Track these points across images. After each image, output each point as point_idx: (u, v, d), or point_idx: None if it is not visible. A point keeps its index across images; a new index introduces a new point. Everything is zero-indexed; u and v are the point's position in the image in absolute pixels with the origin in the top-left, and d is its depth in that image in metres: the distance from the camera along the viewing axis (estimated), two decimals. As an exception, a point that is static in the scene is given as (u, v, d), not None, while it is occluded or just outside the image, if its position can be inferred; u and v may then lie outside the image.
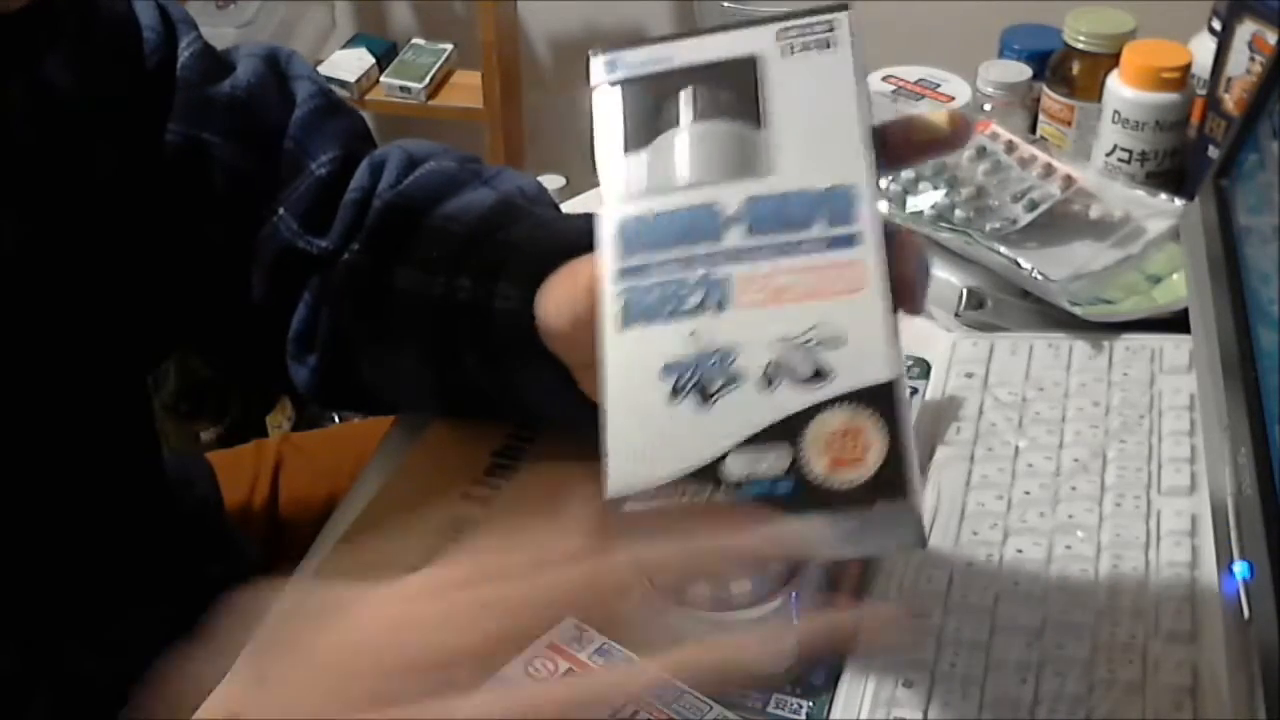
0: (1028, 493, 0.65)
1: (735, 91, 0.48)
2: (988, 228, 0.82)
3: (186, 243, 0.70)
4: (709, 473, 0.41)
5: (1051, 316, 0.78)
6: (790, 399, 0.42)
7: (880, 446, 0.41)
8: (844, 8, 0.49)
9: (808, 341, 0.42)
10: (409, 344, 0.68)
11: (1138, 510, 0.64)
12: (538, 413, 0.67)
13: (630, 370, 0.44)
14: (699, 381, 0.42)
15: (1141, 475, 0.66)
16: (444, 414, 0.74)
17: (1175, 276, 0.80)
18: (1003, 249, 0.80)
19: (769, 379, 0.42)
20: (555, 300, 0.59)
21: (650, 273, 0.45)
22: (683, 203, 0.46)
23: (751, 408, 0.42)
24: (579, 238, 0.62)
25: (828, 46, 0.48)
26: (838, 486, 0.40)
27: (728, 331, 0.43)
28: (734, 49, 0.48)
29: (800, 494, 0.40)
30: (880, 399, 0.41)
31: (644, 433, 0.42)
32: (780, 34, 0.48)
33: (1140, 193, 0.86)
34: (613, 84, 0.49)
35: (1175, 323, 0.75)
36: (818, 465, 0.41)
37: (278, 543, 0.87)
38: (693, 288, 0.44)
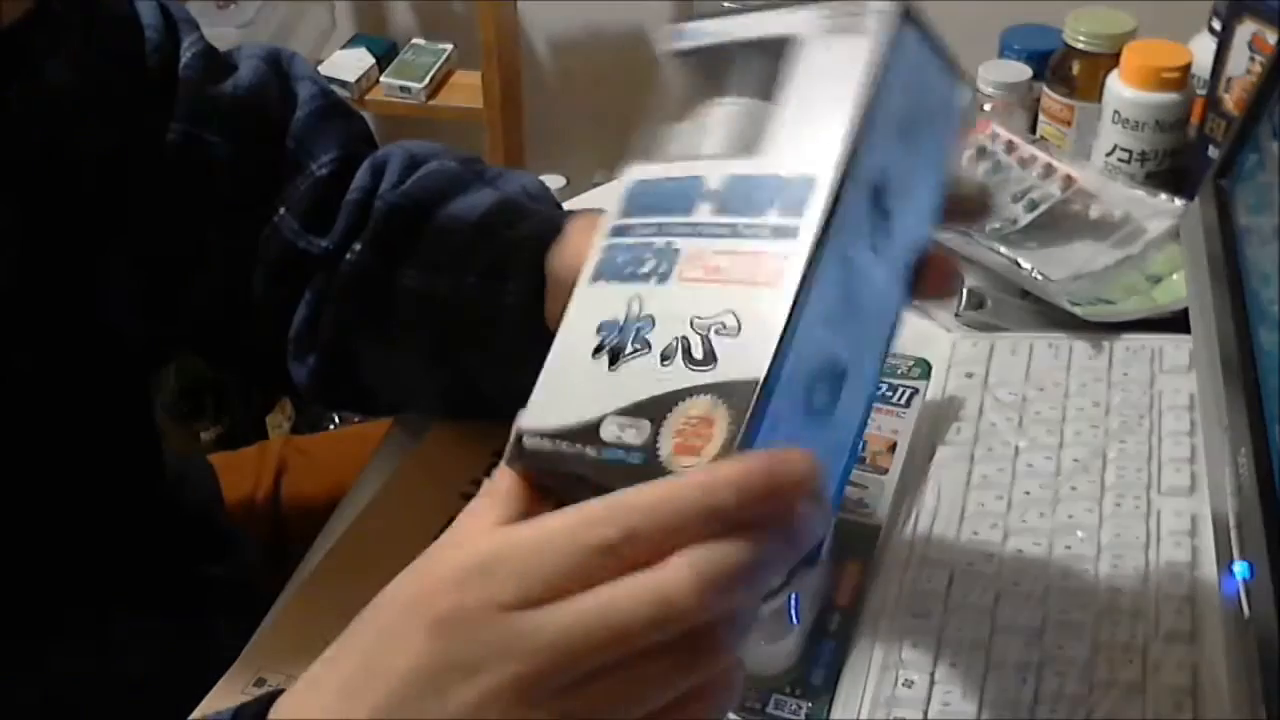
0: (1028, 493, 0.65)
1: (766, 70, 0.47)
2: (988, 228, 0.82)
3: (187, 242, 0.70)
4: (590, 430, 0.42)
5: (1051, 316, 0.78)
6: (674, 377, 0.42)
7: (720, 441, 0.40)
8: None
9: (711, 325, 0.42)
10: (413, 343, 0.68)
11: (1138, 510, 0.64)
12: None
13: (578, 321, 0.45)
14: (616, 344, 0.43)
15: (1141, 475, 0.66)
16: (445, 414, 0.74)
17: (1175, 276, 0.80)
18: (1003, 249, 0.80)
19: (668, 354, 0.42)
20: (562, 272, 0.60)
21: (631, 234, 0.46)
22: (678, 173, 0.46)
23: (643, 378, 0.42)
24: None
25: (856, 32, 0.46)
26: (674, 470, 0.40)
27: (657, 302, 0.43)
28: (782, 27, 0.48)
29: (645, 468, 0.41)
30: (739, 395, 0.41)
31: (562, 380, 0.44)
32: (822, 15, 0.47)
33: (1140, 193, 0.86)
34: (673, 54, 0.49)
35: (1175, 323, 0.75)
36: (667, 445, 0.41)
37: (279, 543, 0.88)
38: (650, 255, 0.45)
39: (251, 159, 0.69)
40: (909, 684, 0.56)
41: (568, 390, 0.43)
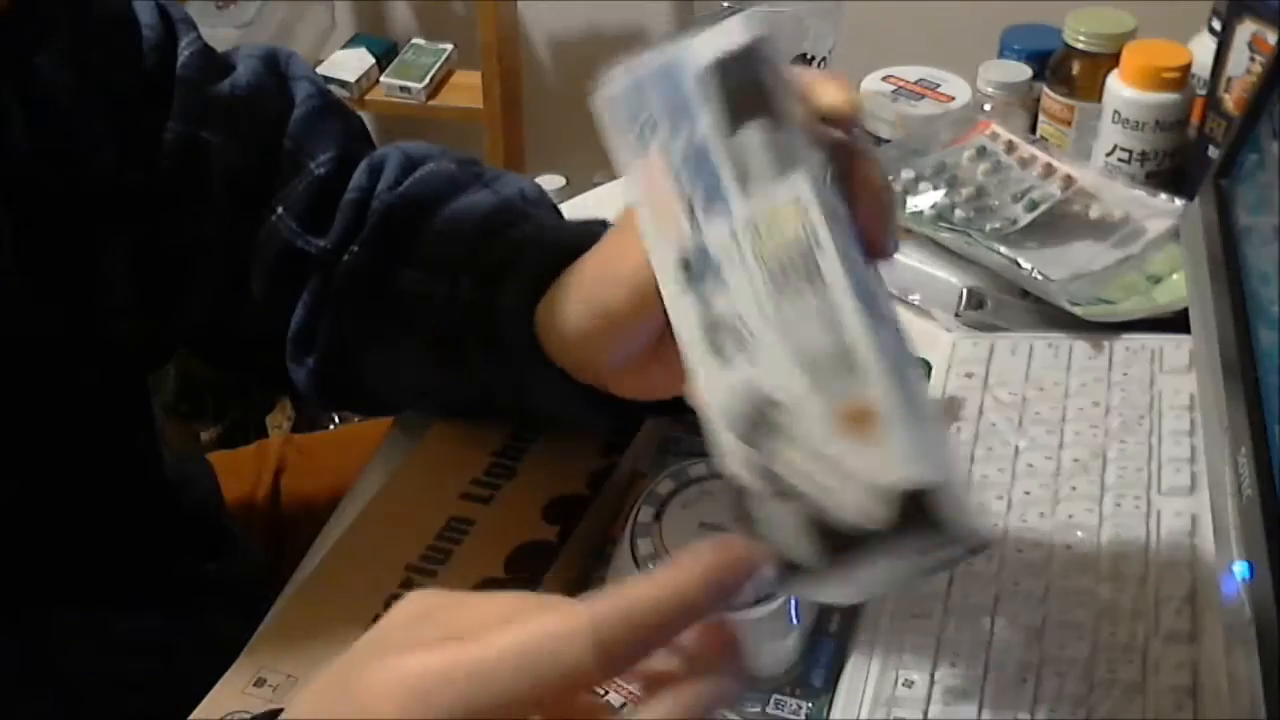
0: (1028, 493, 0.65)
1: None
2: (988, 228, 0.82)
3: (185, 242, 0.70)
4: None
5: (1051, 316, 0.78)
6: None
7: None
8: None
9: None
10: (411, 344, 0.68)
11: (1138, 510, 0.64)
12: (541, 412, 0.67)
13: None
14: None
15: (1141, 475, 0.66)
16: (445, 414, 0.74)
17: (1175, 276, 0.80)
18: (1003, 249, 0.80)
19: None
20: (561, 304, 0.60)
21: None
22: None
23: None
24: (582, 240, 0.63)
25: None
26: None
27: None
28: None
29: None
30: None
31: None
32: None
33: (1140, 193, 0.86)
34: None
35: (1175, 323, 0.75)
36: None
37: (279, 543, 0.88)
38: None
39: (248, 158, 0.69)
40: (909, 684, 0.56)
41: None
